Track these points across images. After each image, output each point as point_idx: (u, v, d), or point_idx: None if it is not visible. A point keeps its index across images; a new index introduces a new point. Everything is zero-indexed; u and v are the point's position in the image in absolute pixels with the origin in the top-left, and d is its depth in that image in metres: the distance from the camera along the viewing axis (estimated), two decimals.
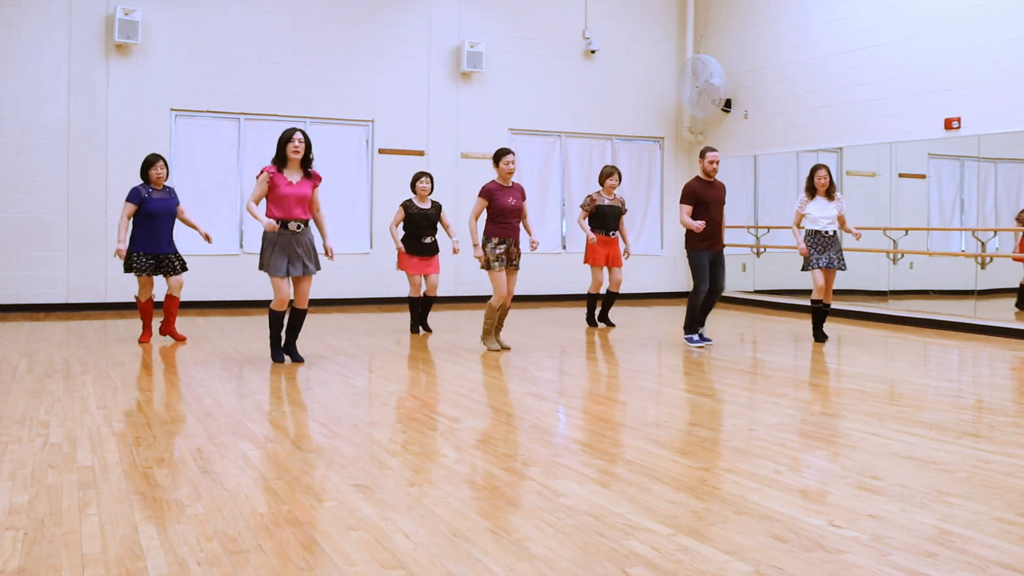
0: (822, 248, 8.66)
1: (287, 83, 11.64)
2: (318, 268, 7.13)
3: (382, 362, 7.54)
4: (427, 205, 9.16)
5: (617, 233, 9.92)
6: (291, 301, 7.19)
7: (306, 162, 7.05)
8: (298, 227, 6.97)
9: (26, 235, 10.56)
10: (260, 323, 9.40)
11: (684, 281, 14.11)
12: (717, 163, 8.48)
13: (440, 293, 9.47)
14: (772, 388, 6.46)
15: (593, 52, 13.25)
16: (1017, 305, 10.15)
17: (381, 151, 12.21)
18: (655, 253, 13.92)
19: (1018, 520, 3.50)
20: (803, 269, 8.77)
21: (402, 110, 12.30)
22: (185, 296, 10.74)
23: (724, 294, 13.18)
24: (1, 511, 3.45)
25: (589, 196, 9.93)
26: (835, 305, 11.42)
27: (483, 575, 2.91)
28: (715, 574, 2.93)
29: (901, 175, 11.09)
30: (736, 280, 13.33)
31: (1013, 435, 4.97)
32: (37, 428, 4.84)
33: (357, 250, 12.10)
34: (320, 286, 11.67)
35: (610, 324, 10.14)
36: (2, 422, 4.97)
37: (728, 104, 13.16)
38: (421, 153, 12.38)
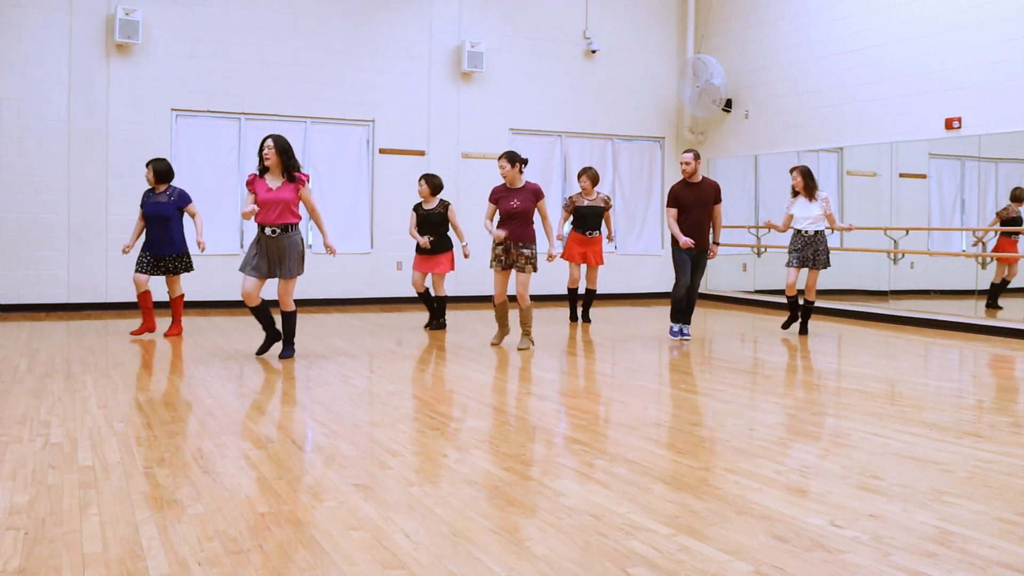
0: (799, 247, 9.22)
1: (287, 83, 11.63)
2: (297, 273, 7.25)
3: (383, 362, 7.55)
4: (432, 205, 9.21)
5: (596, 233, 10.01)
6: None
7: (288, 168, 7.12)
8: (273, 232, 7.09)
9: (26, 235, 10.56)
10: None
11: None
12: (687, 164, 8.70)
13: (441, 293, 9.48)
14: (773, 388, 6.46)
15: (594, 52, 13.24)
16: (988, 305, 10.10)
17: (382, 151, 12.21)
18: (655, 253, 13.90)
19: (1019, 520, 3.50)
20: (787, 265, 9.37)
21: (403, 110, 12.30)
22: (186, 296, 10.77)
23: (725, 294, 13.34)
24: (1, 511, 3.45)
25: (569, 198, 10.23)
26: (836, 305, 11.43)
27: (484, 575, 2.91)
28: (715, 574, 2.93)
29: (902, 175, 11.08)
30: (737, 280, 13.33)
31: (1013, 435, 4.97)
32: (38, 428, 4.84)
33: (358, 250, 12.10)
34: (320, 286, 11.71)
35: (587, 320, 10.38)
36: (3, 422, 4.97)
37: (729, 104, 13.15)
38: (422, 153, 12.38)
